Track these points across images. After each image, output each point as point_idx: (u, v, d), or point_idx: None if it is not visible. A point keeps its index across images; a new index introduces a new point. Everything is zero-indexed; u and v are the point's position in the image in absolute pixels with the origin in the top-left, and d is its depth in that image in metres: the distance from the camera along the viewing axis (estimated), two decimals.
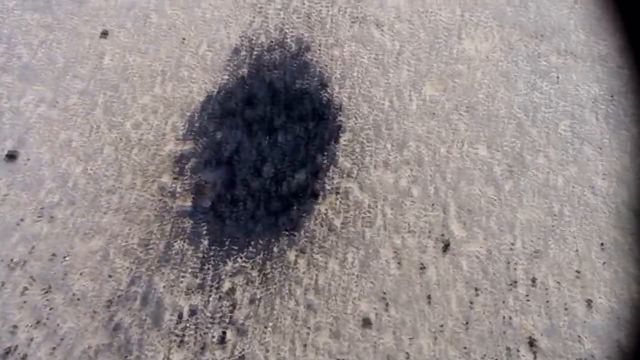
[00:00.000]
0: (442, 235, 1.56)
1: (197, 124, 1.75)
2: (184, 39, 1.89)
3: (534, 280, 1.50)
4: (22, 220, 1.54)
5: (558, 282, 1.49)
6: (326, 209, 1.60)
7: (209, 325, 1.43)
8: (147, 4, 1.96)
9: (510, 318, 1.44)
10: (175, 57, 1.86)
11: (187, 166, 1.67)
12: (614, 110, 1.83)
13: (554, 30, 1.98)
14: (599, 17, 2.00)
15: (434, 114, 1.79)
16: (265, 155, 1.71)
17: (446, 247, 1.54)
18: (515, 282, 1.50)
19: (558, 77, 1.87)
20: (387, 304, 1.47)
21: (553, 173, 1.68)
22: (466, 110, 1.80)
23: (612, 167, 1.75)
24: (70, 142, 1.69)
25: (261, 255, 1.52)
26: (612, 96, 1.85)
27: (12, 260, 1.47)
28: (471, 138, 1.76)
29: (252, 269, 1.50)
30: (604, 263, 1.52)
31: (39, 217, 1.55)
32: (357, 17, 1.97)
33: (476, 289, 1.48)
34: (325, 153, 1.72)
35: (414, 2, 2.02)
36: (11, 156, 1.64)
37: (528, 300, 1.47)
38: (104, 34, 1.89)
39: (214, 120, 1.76)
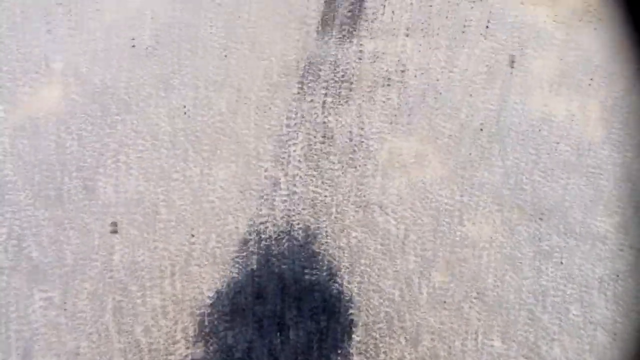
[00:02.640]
0: None
1: (207, 325, 1.77)
2: (192, 234, 1.97)
3: None
4: None
5: None
6: None
7: None
8: (157, 197, 2.07)
9: None
10: (185, 253, 1.93)
11: None
12: (621, 292, 1.90)
13: (552, 210, 2.11)
14: (592, 196, 2.15)
15: (445, 302, 1.84)
16: (277, 355, 1.72)
17: None
18: None
19: (562, 262, 1.96)
20: None
21: None
22: (476, 297, 1.86)
23: (629, 354, 1.79)
24: (77, 351, 1.69)
25: None
26: (617, 275, 1.93)
27: None
28: (484, 328, 1.80)
29: None
30: None
31: None
32: (361, 205, 2.09)
33: None
34: (339, 351, 1.73)
35: (414, 187, 2.16)
36: None
37: None
38: (114, 230, 1.97)
39: (224, 320, 1.79)
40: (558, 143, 2.25)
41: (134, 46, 2.46)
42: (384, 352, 1.75)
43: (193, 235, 1.93)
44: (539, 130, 2.29)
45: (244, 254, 1.91)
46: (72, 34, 2.49)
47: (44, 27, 2.52)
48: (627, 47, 2.57)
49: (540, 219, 2.03)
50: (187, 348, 1.73)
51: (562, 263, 1.92)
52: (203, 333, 1.76)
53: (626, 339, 1.82)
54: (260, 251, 1.92)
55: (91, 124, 2.24)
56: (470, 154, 2.22)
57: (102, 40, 2.46)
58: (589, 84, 2.43)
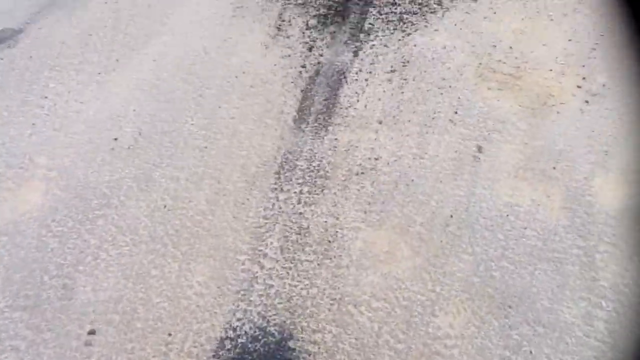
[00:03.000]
0: None
1: None
2: (169, 334, 2.00)
3: None
4: None
5: None
6: None
7: None
8: (135, 295, 2.10)
9: None
10: (162, 354, 1.95)
11: None
12: None
13: (520, 298, 2.17)
14: (558, 283, 2.22)
15: None
16: None
17: None
18: None
19: (531, 352, 2.01)
20: None
21: None
22: None
23: None
24: None
25: None
26: None
27: None
28: None
29: None
30: None
31: None
32: (336, 298, 2.14)
33: None
34: None
35: (387, 278, 2.22)
36: None
37: None
38: (91, 332, 1.99)
39: None
40: (525, 229, 2.33)
41: (116, 139, 2.55)
42: None
43: (170, 335, 1.96)
44: (507, 216, 2.38)
45: (221, 353, 1.94)
46: (56, 128, 2.58)
47: (29, 121, 2.61)
48: (589, 131, 2.70)
49: (510, 307, 2.09)
50: None
51: (531, 353, 1.97)
52: None
53: None
54: (237, 350, 1.95)
55: (72, 219, 2.30)
56: (441, 241, 2.30)
57: (85, 134, 2.55)
58: (554, 168, 2.54)
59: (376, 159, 2.51)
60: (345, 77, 2.81)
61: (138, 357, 1.87)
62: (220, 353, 1.90)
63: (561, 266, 2.19)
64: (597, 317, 2.02)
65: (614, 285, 2.08)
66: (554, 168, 2.49)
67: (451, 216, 2.32)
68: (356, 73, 2.84)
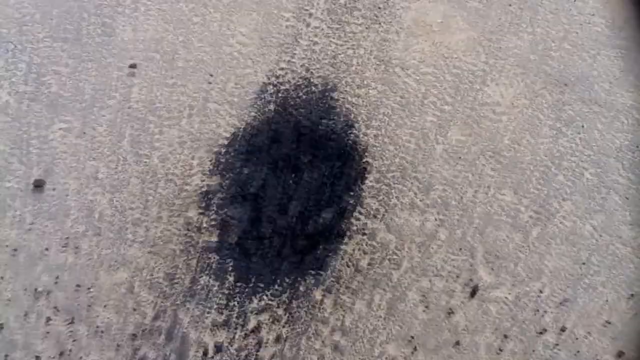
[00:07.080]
0: (470, 279, 1.64)
1: (223, 160, 1.84)
2: (211, 75, 2.01)
3: (563, 329, 1.57)
4: (47, 249, 1.62)
5: (588, 332, 1.56)
6: (353, 249, 1.68)
7: None
8: (176, 39, 2.10)
9: None
10: (203, 93, 1.98)
11: (213, 201, 1.76)
12: (638, 162, 1.94)
13: (578, 79, 2.12)
14: (622, 68, 2.15)
15: (460, 157, 1.90)
16: (291, 193, 1.81)
17: (474, 291, 1.61)
18: (545, 330, 1.57)
19: (583, 126, 1.99)
20: (415, 348, 1.53)
21: (580, 221, 1.77)
22: (492, 155, 1.91)
23: (639, 217, 1.85)
24: (96, 173, 1.78)
25: (287, 294, 1.60)
26: (637, 146, 1.97)
27: (36, 289, 1.54)
28: (497, 183, 1.86)
29: (278, 307, 1.57)
30: (635, 314, 1.59)
31: (64, 247, 1.63)
32: (383, 60, 2.11)
33: (505, 336, 1.54)
34: (352, 193, 1.81)
35: (439, 47, 2.17)
36: (38, 185, 1.73)
37: (558, 349, 1.54)
38: (132, 67, 2.01)
39: (240, 157, 1.86)
40: (592, 15, 2.21)
41: None
42: (396, 197, 1.82)
43: (212, 76, 1.97)
44: (574, 1, 2.24)
45: (262, 99, 1.95)
46: None
47: None
48: None
49: (566, 85, 2.04)
50: (203, 180, 1.81)
51: (583, 127, 1.95)
52: (219, 168, 1.83)
53: (638, 203, 1.87)
54: (278, 99, 1.96)
55: None
56: (500, 19, 2.20)
57: None
58: None
59: None
60: None
61: (179, 92, 1.89)
62: (262, 98, 1.90)
63: (628, 53, 2.08)
64: None
65: None
66: None
67: None
68: None
